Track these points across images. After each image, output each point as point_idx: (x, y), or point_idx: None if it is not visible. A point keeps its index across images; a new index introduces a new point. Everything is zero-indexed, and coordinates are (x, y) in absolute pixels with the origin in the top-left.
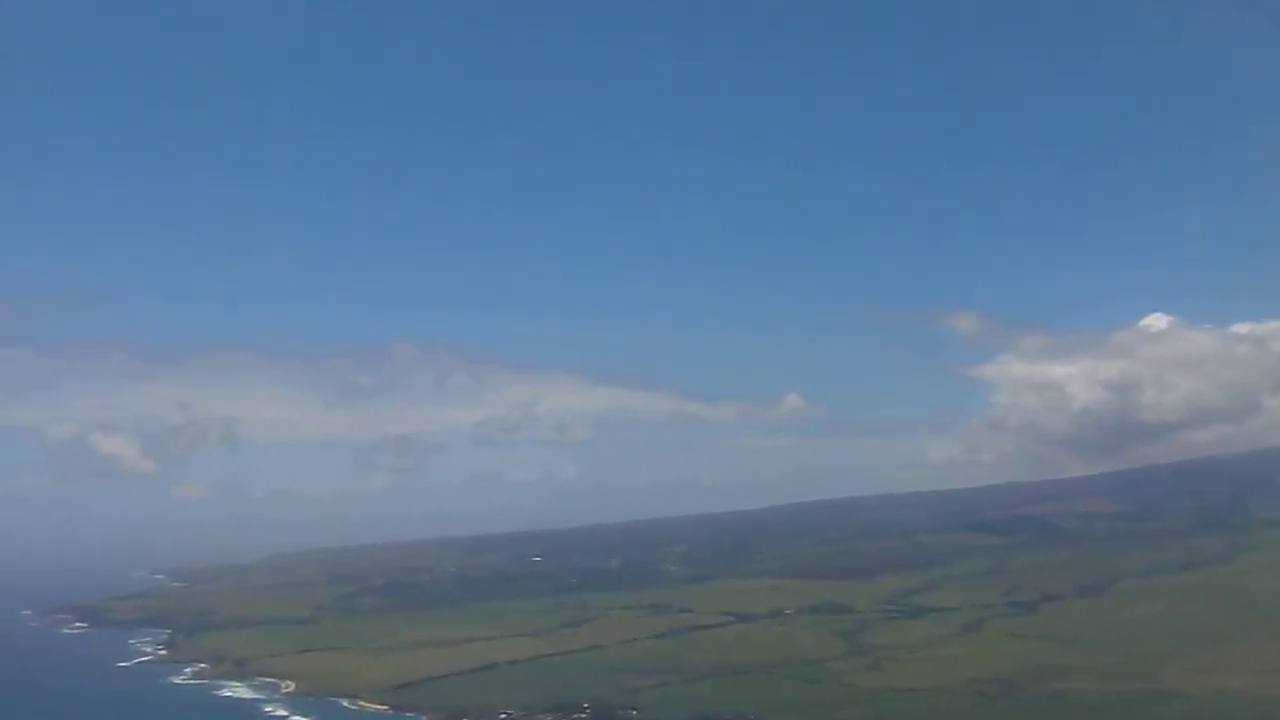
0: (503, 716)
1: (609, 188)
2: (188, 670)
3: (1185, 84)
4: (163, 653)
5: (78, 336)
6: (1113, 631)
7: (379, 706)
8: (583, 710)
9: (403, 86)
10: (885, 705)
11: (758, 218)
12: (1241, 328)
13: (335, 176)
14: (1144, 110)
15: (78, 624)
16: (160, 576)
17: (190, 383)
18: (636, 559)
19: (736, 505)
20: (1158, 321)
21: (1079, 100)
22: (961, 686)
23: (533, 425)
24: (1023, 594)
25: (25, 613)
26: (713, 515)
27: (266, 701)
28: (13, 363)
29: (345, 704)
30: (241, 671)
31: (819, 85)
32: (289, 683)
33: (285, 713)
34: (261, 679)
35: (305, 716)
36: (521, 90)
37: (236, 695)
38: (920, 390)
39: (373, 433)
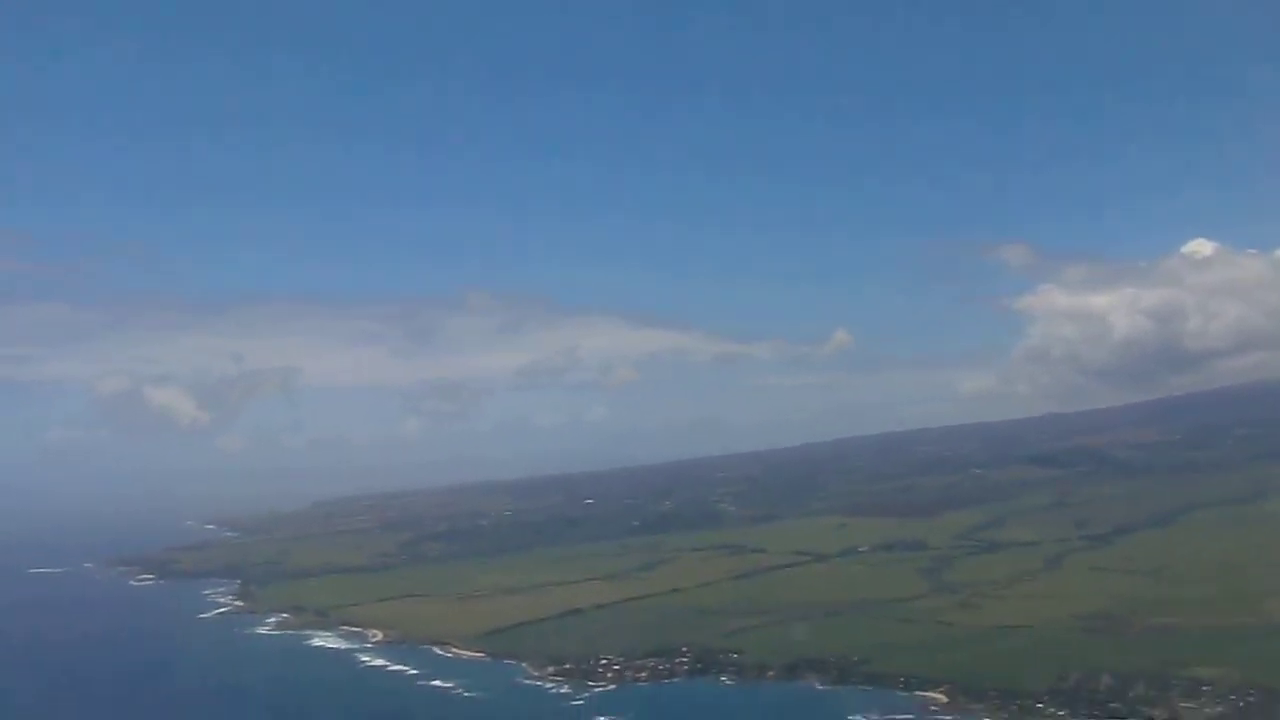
0: (602, 662)
1: (651, 136)
2: (271, 621)
3: (1226, 6)
4: (239, 604)
5: (122, 290)
6: (1199, 563)
7: (474, 653)
8: (682, 655)
9: (446, 42)
10: (993, 644)
11: (802, 162)
12: None
13: (379, 129)
14: (1186, 35)
15: (144, 576)
16: (211, 527)
17: (235, 333)
18: (691, 500)
19: (779, 443)
20: (1202, 247)
21: (1121, 29)
22: (1064, 623)
23: (576, 369)
24: (1094, 527)
25: (88, 565)
26: (757, 454)
27: (359, 651)
28: (57, 317)
29: (438, 651)
30: (326, 621)
31: (860, 26)
32: (376, 631)
33: (383, 661)
34: (347, 628)
35: (404, 665)
36: (562, 43)
37: (327, 645)
38: (960, 324)
39: (417, 379)
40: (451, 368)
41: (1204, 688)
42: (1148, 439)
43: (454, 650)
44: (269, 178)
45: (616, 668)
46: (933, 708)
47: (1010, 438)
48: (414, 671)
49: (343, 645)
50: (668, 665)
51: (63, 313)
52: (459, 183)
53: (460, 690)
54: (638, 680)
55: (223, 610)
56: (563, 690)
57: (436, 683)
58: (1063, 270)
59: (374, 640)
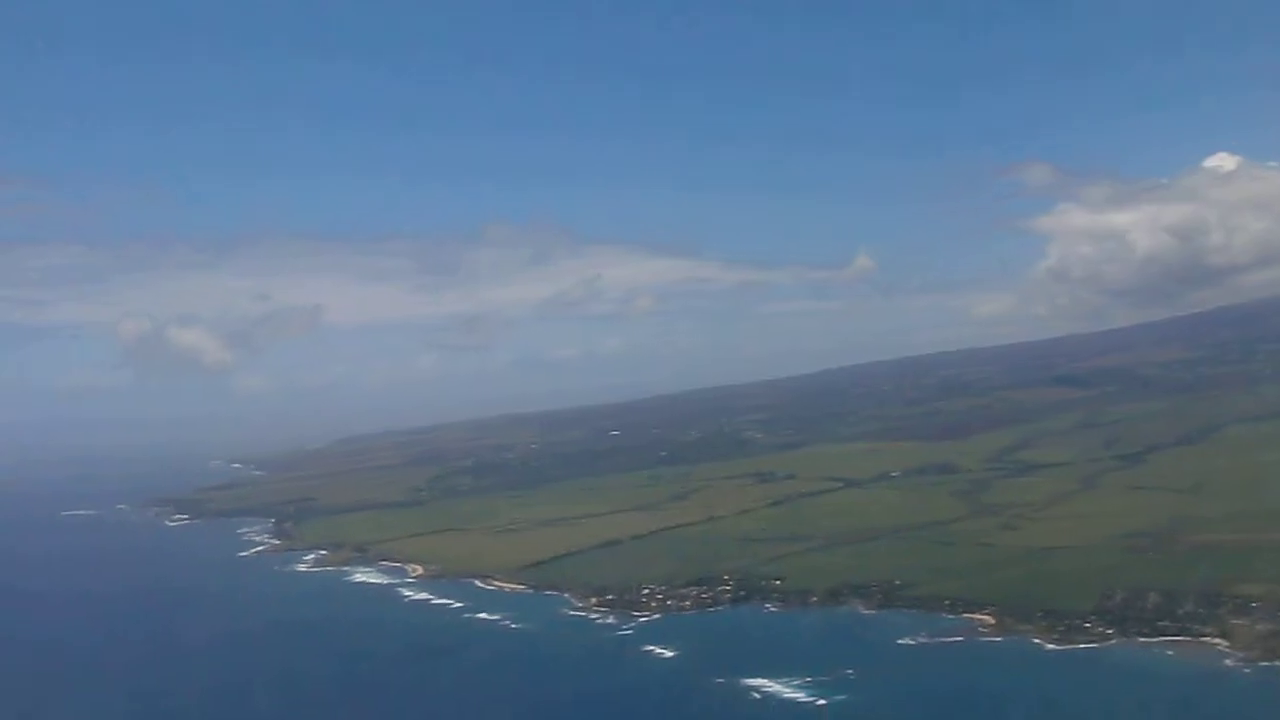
0: (645, 591)
1: (665, 61)
2: (309, 558)
3: None
4: (276, 542)
5: (138, 230)
6: (1235, 479)
7: (516, 586)
8: (724, 583)
9: None
10: (1036, 565)
11: (821, 82)
12: None
13: (397, 60)
14: None
15: (179, 516)
16: (238, 466)
17: (256, 272)
18: (716, 428)
19: (799, 370)
20: (1224, 161)
21: None
22: (1108, 542)
23: (596, 300)
24: (1125, 446)
25: (120, 507)
26: (777, 381)
27: (401, 586)
28: (72, 259)
29: (480, 585)
30: (364, 557)
31: None
32: (415, 566)
33: (426, 595)
34: (386, 563)
35: (448, 599)
36: None
37: (369, 580)
38: (978, 246)
39: (439, 314)
40: (473, 301)
41: (1252, 605)
42: (1172, 357)
43: (495, 583)
44: (289, 112)
45: (660, 597)
46: (981, 629)
47: (1032, 359)
48: (458, 605)
49: (384, 580)
50: (710, 593)
51: (78, 254)
52: (478, 113)
53: (507, 622)
54: (682, 609)
55: (260, 549)
56: (608, 620)
57: (483, 615)
58: (1083, 189)
59: (414, 575)
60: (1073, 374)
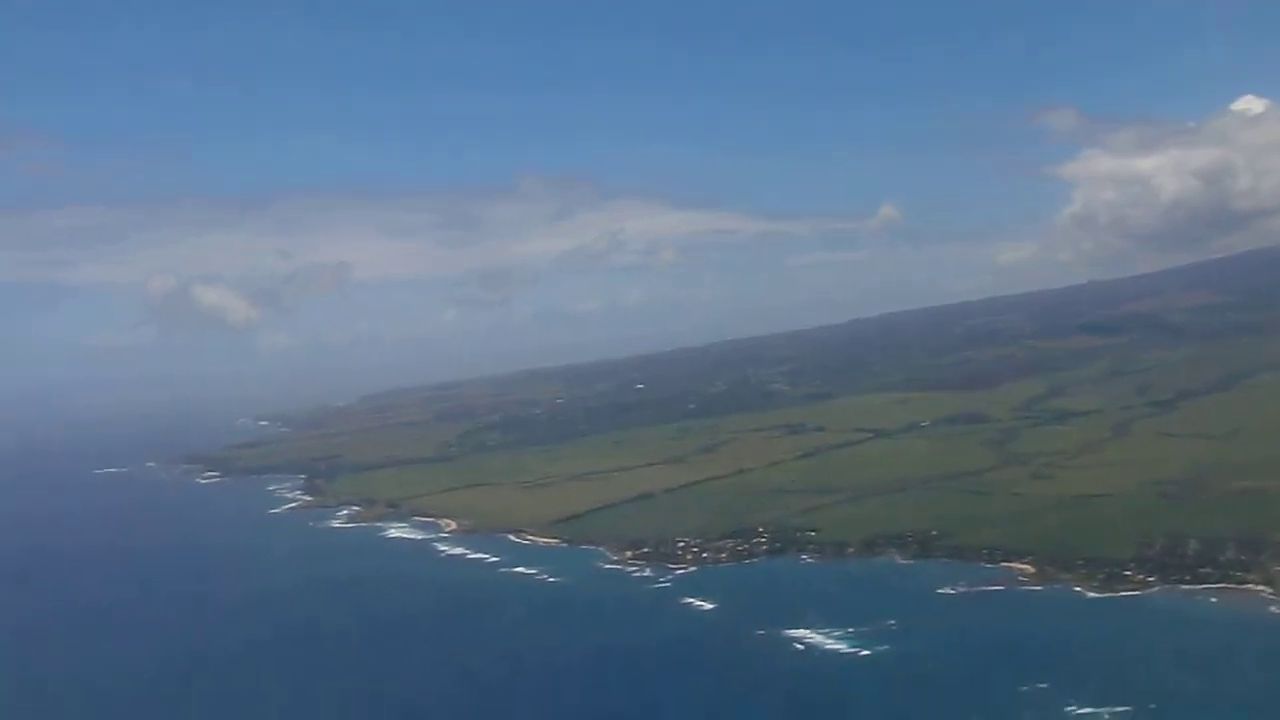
0: (680, 544)
1: (688, 16)
2: (343, 514)
3: None
4: (307, 498)
5: (159, 189)
6: (1269, 426)
7: (550, 540)
8: (759, 535)
9: None
10: (1071, 513)
11: (845, 33)
12: None
13: (420, 13)
14: None
15: (209, 473)
16: (264, 423)
17: (279, 229)
18: (743, 381)
19: (822, 322)
20: (1252, 104)
21: None
22: (1142, 489)
23: (619, 252)
24: (1157, 393)
25: (150, 464)
26: (801, 333)
27: (435, 541)
28: (94, 219)
29: (514, 539)
30: (398, 513)
31: None
32: (449, 521)
33: (462, 550)
34: (419, 519)
35: (483, 553)
36: None
37: (404, 536)
38: (1002, 194)
39: (463, 269)
40: (496, 256)
41: None
42: (1200, 302)
43: (529, 538)
44: (310, 66)
45: (695, 550)
46: (1020, 578)
47: (1057, 307)
48: (494, 559)
49: (418, 535)
50: (746, 545)
51: (100, 214)
52: (501, 70)
53: (544, 576)
54: (718, 562)
55: (293, 505)
56: (645, 574)
57: (519, 569)
58: (1109, 134)
59: (448, 530)
60: (1100, 321)
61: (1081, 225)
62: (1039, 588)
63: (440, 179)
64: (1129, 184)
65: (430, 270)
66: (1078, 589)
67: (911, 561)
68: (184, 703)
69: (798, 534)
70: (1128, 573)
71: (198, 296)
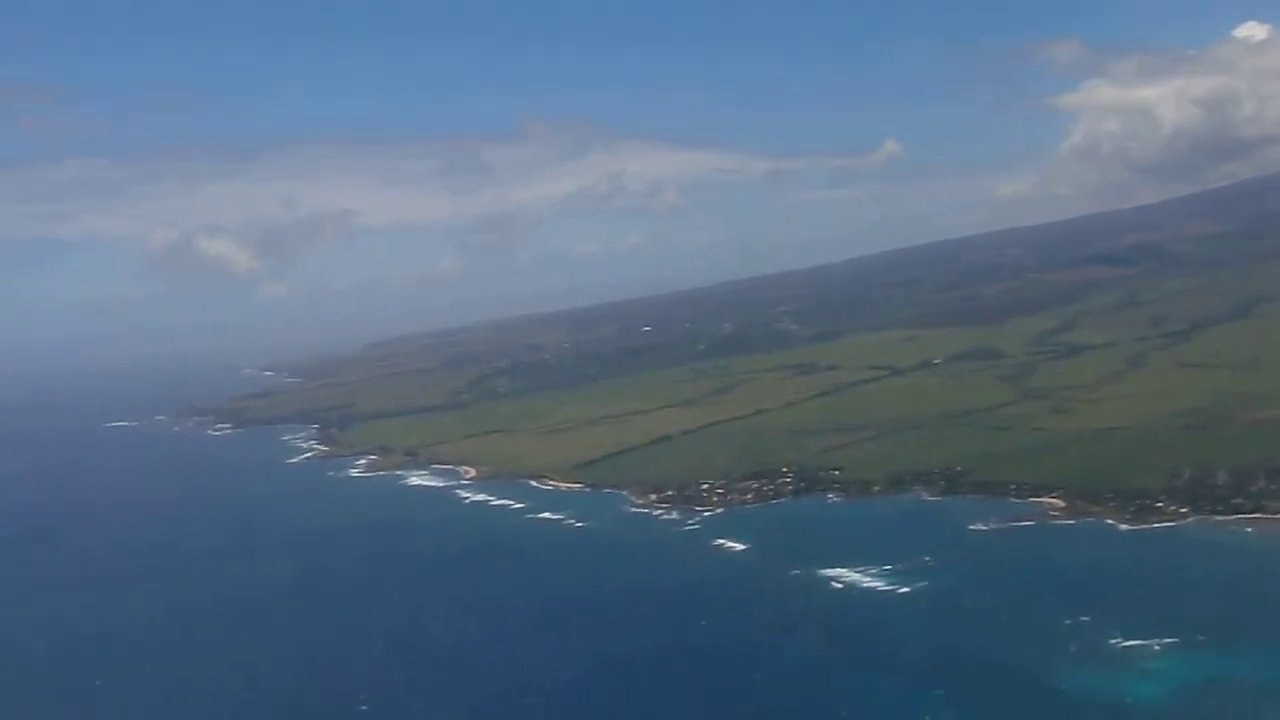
0: (704, 486)
1: None
2: (361, 463)
3: None
4: (322, 448)
5: (162, 140)
6: None
7: (573, 485)
8: (783, 475)
9: None
10: (1095, 446)
11: None
12: None
13: None
14: None
15: (220, 425)
16: (269, 373)
17: (283, 178)
18: (751, 321)
19: (825, 260)
20: (1255, 30)
21: None
22: (1165, 421)
23: (622, 194)
24: (1171, 324)
25: (160, 417)
26: (805, 271)
27: (457, 488)
28: (96, 172)
29: (535, 485)
30: (416, 461)
31: None
32: (468, 468)
33: (485, 497)
34: (438, 466)
35: (507, 499)
36: None
37: (425, 484)
38: (1003, 128)
39: (466, 215)
40: (499, 201)
41: None
42: (1205, 232)
43: (551, 483)
44: (311, 14)
45: (720, 491)
46: (1051, 512)
47: (1061, 240)
48: (519, 505)
49: (439, 483)
50: (771, 486)
51: (101, 167)
52: (502, 12)
53: (571, 521)
54: (744, 503)
55: (309, 455)
56: (672, 516)
57: (545, 515)
58: (1112, 65)
59: (468, 477)
60: (1107, 253)
61: (1082, 157)
62: (1071, 521)
63: (442, 126)
64: (1131, 114)
65: (432, 217)
66: (1110, 522)
67: (939, 498)
68: (246, 639)
69: (821, 473)
70: (1159, 504)
71: (201, 247)
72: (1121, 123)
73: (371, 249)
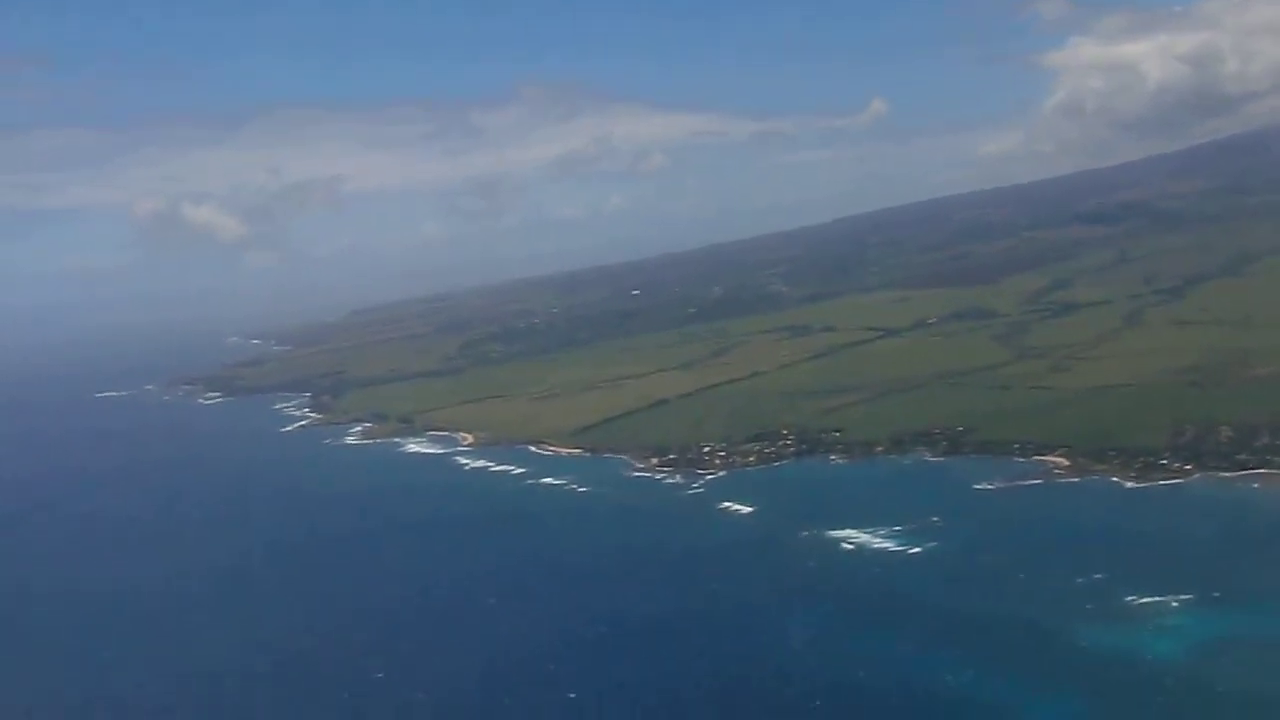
0: (706, 450)
1: None
2: (356, 430)
3: None
4: (316, 416)
5: (144, 108)
6: None
7: (572, 450)
8: (784, 437)
9: None
10: (1097, 404)
11: None
12: None
13: None
14: None
15: (211, 394)
16: (257, 341)
17: (268, 145)
18: (740, 283)
19: (811, 221)
20: None
21: None
22: (1163, 379)
23: (610, 157)
24: (1163, 281)
25: (149, 387)
26: (791, 233)
27: (455, 455)
28: (78, 141)
29: (535, 450)
30: (412, 428)
31: None
32: (465, 435)
33: (484, 463)
34: (435, 433)
35: (508, 465)
36: None
37: (422, 450)
38: (987, 86)
39: (449, 179)
40: (484, 166)
41: None
42: (1193, 189)
43: (550, 448)
44: None
45: (722, 454)
46: (1056, 471)
47: (1048, 198)
48: (520, 471)
49: (437, 450)
50: (773, 448)
51: (84, 136)
52: None
53: (574, 486)
54: (746, 465)
55: (303, 423)
56: (675, 480)
57: (547, 480)
58: (1097, 22)
59: (466, 443)
60: (1095, 211)
61: (1067, 114)
62: (1076, 480)
63: (426, 90)
64: (1116, 70)
65: (419, 181)
66: (1115, 479)
67: (942, 458)
68: (259, 607)
69: (823, 435)
70: (1164, 462)
71: (187, 215)
72: (1106, 80)
73: (356, 215)
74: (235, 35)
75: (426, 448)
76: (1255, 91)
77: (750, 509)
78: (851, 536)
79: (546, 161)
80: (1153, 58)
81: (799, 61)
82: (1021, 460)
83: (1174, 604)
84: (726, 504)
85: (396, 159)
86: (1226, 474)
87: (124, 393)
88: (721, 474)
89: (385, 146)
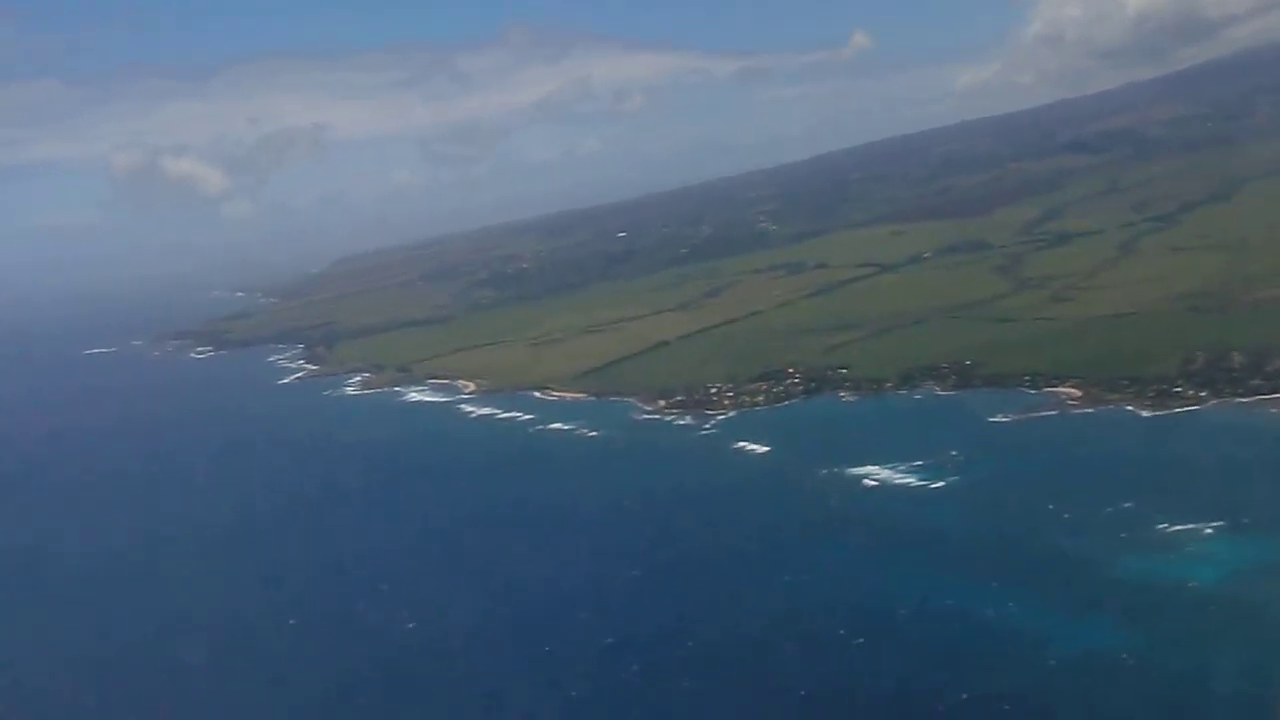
0: (713, 390)
1: None
2: (355, 380)
3: None
4: (312, 367)
5: (116, 61)
6: (1277, 235)
7: (577, 395)
8: (791, 376)
9: None
10: (1102, 333)
11: None
12: None
13: None
14: None
15: (202, 348)
16: (241, 294)
17: (245, 95)
18: (728, 222)
19: (789, 158)
20: None
21: None
22: (1168, 305)
23: (586, 99)
24: (1155, 208)
25: (136, 343)
26: (770, 170)
27: (459, 403)
28: (50, 94)
29: (539, 396)
30: (410, 377)
31: None
32: (466, 383)
33: (490, 410)
34: (435, 381)
35: (514, 412)
36: None
37: (425, 399)
38: (959, 17)
39: (430, 124)
40: (467, 109)
41: None
42: (1174, 115)
43: (555, 394)
44: None
45: (730, 395)
46: (1070, 402)
47: (1029, 128)
48: (527, 417)
49: (440, 398)
50: (780, 387)
51: (56, 89)
52: None
53: (583, 430)
54: (755, 405)
55: (299, 375)
56: (685, 421)
57: (556, 425)
58: None
59: (468, 391)
60: (1080, 140)
61: (1045, 43)
62: (1091, 410)
63: (399, 37)
64: None
65: (392, 130)
66: (1130, 408)
67: (952, 392)
68: (289, 558)
69: (829, 372)
70: (1177, 389)
71: (166, 168)
72: (1085, 7)
73: (338, 164)
74: None
75: (429, 396)
76: (1235, 15)
77: (766, 449)
78: (872, 473)
79: (528, 104)
80: None
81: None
82: (1033, 392)
83: (1207, 531)
84: (742, 444)
85: (373, 107)
86: (1242, 399)
87: (111, 349)
88: (731, 414)
89: (361, 95)
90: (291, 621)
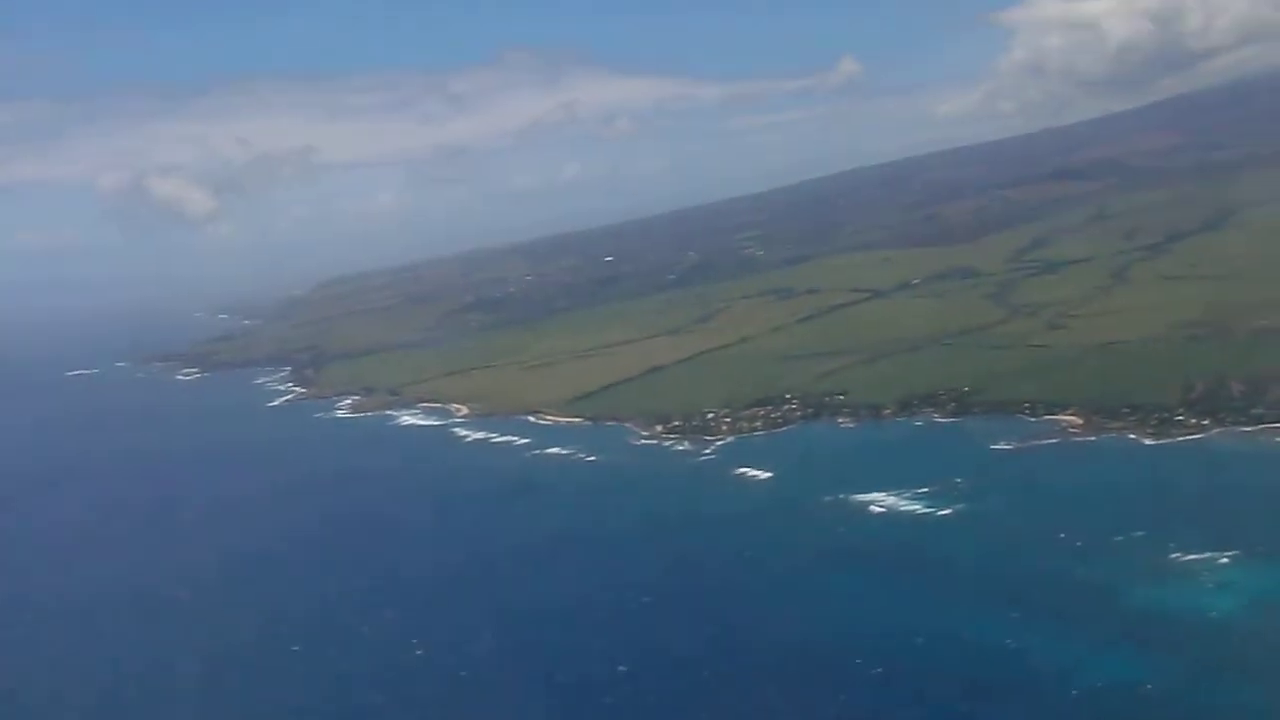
0: (710, 415)
1: None
2: (345, 403)
3: None
4: (300, 390)
5: (101, 81)
6: (1270, 262)
7: (572, 419)
8: (788, 401)
9: None
10: (1100, 362)
11: None
12: None
13: None
14: None
15: (188, 370)
16: (224, 316)
17: (234, 117)
18: (715, 247)
19: (775, 184)
20: None
21: None
22: (1164, 334)
23: (572, 124)
24: (1145, 236)
25: (120, 364)
26: (757, 195)
27: (452, 427)
28: (37, 114)
29: (534, 420)
30: (401, 400)
31: None
32: (459, 406)
33: (484, 434)
34: (426, 405)
35: (509, 436)
36: None
37: (417, 423)
38: (943, 46)
39: (417, 148)
40: (448, 137)
41: None
42: (1162, 144)
43: (549, 418)
44: None
45: (728, 420)
46: (1071, 430)
47: (1016, 156)
48: (522, 442)
49: (433, 422)
50: (778, 413)
51: (39, 109)
52: None
53: (582, 455)
54: (753, 430)
55: (288, 398)
56: (684, 447)
57: (554, 450)
58: None
59: (460, 415)
60: (1070, 167)
61: (1028, 72)
62: (1093, 438)
63: (390, 58)
64: (1078, 28)
65: (382, 151)
66: (1132, 437)
67: (952, 419)
68: (301, 583)
69: (827, 398)
70: (1179, 418)
71: (154, 189)
72: (1068, 37)
73: (323, 187)
74: (192, 4)
75: (421, 420)
76: (1217, 46)
77: (768, 474)
78: (878, 500)
79: (514, 130)
80: (1117, 14)
81: (760, 21)
82: (1033, 420)
83: (1223, 560)
84: (743, 470)
85: (361, 129)
86: (1246, 428)
87: (95, 371)
88: (729, 440)
89: (350, 117)
90: (295, 648)
